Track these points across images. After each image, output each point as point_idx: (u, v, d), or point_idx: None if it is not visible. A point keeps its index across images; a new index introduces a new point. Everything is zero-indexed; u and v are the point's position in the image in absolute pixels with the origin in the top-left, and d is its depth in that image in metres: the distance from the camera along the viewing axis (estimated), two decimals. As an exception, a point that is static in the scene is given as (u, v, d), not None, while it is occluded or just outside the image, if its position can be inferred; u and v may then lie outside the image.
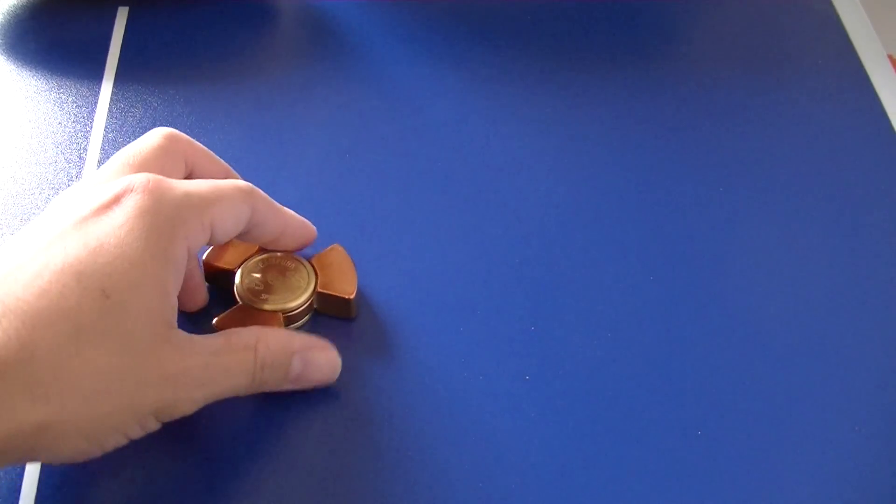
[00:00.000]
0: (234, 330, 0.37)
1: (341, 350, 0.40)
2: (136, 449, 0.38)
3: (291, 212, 0.41)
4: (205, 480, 0.38)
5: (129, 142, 0.51)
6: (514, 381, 0.42)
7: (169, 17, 0.58)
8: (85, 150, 0.50)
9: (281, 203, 0.41)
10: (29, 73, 0.55)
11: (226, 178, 0.40)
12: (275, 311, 0.41)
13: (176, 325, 0.35)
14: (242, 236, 0.39)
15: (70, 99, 0.53)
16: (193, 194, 0.35)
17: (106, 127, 0.52)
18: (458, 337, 0.43)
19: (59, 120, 0.52)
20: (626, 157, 0.52)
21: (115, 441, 0.34)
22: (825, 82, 0.56)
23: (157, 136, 0.39)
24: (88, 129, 0.52)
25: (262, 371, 0.36)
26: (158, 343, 0.33)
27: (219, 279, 0.43)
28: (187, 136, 0.40)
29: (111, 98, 0.53)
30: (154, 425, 0.35)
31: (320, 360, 0.39)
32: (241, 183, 0.38)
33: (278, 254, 0.43)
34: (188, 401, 0.34)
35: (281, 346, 0.37)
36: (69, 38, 0.56)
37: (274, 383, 0.38)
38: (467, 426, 0.40)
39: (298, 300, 0.41)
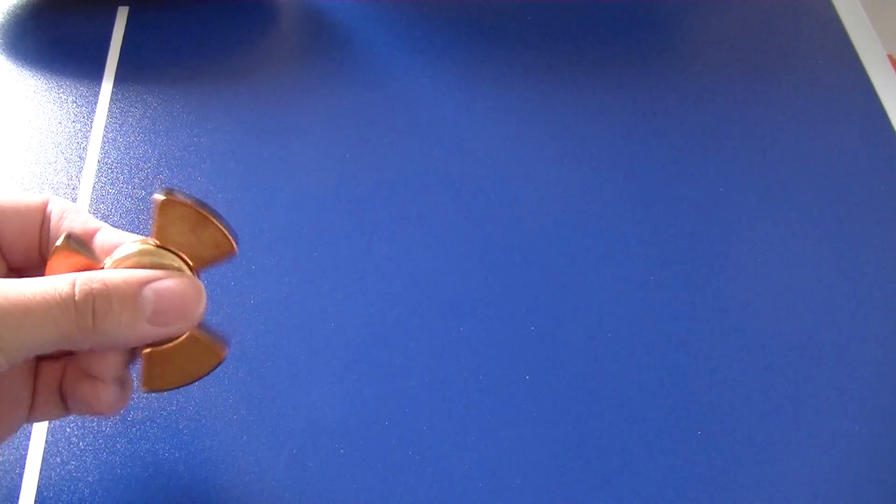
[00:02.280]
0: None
1: (337, 353, 0.40)
2: (135, 449, 0.38)
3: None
4: (203, 481, 0.38)
5: (128, 141, 0.51)
6: (514, 381, 0.42)
7: (169, 17, 0.58)
8: (85, 150, 0.50)
9: (280, 201, 0.40)
10: (29, 73, 0.55)
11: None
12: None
13: None
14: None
15: (70, 99, 0.53)
16: None
17: (106, 127, 0.52)
18: (459, 337, 0.43)
19: (59, 120, 0.52)
20: (625, 156, 0.51)
21: None
22: (825, 82, 0.56)
23: None
24: (88, 129, 0.52)
25: (93, 307, 0.28)
26: None
27: None
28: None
29: (111, 98, 0.53)
30: None
31: (180, 286, 0.30)
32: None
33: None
34: None
35: (122, 277, 0.29)
36: (69, 38, 0.56)
37: (124, 326, 0.29)
38: (467, 426, 0.40)
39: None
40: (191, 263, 0.31)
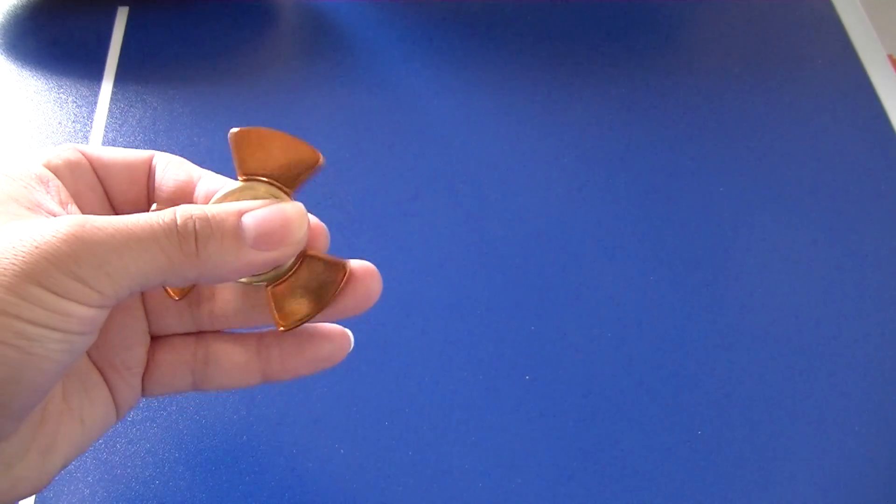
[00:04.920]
0: None
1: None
2: (135, 449, 0.38)
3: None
4: (203, 481, 0.38)
5: (128, 142, 0.51)
6: (514, 381, 0.42)
7: (169, 17, 0.58)
8: (85, 150, 0.50)
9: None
10: (29, 73, 0.55)
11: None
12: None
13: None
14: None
15: (70, 99, 0.53)
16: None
17: (106, 127, 0.52)
18: (459, 337, 0.43)
19: (59, 120, 0.52)
20: (626, 156, 0.51)
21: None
22: (825, 82, 0.56)
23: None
24: (88, 129, 0.52)
25: (195, 232, 0.28)
26: None
27: None
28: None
29: (111, 98, 0.53)
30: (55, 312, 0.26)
31: (279, 208, 0.30)
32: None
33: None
34: (81, 277, 0.26)
35: (221, 207, 0.30)
36: (69, 38, 0.56)
37: (227, 252, 0.29)
38: (467, 426, 0.40)
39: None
40: (286, 189, 0.32)
